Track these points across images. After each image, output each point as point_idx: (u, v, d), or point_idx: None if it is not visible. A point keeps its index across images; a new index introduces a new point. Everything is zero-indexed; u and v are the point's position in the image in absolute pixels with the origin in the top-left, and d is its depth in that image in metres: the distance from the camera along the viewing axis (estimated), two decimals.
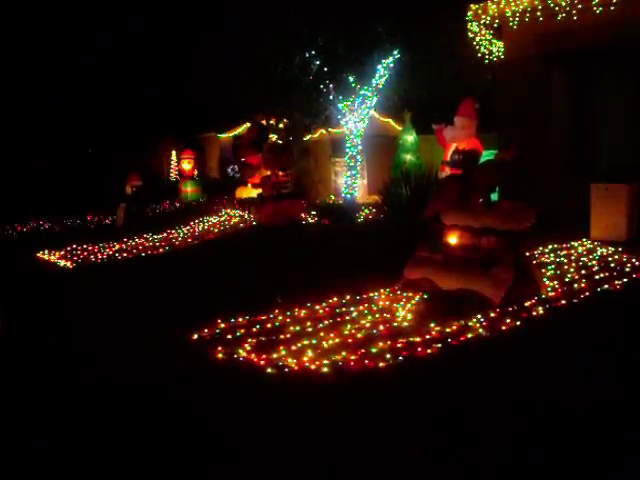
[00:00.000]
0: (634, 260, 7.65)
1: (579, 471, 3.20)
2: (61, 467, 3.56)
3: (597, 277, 6.98)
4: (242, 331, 5.70)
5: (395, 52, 13.27)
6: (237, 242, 11.41)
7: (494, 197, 8.02)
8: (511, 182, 8.30)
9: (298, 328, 5.71)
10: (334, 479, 3.29)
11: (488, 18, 11.15)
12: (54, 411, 4.32)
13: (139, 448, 3.70)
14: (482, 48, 12.00)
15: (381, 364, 4.73)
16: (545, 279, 6.86)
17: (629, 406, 3.87)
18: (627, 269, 7.27)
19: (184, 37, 18.40)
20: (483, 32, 11.69)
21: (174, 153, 23.24)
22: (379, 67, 13.38)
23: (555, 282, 6.84)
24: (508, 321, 5.61)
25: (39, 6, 19.83)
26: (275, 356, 5.00)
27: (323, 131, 16.77)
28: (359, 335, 5.43)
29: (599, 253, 8.24)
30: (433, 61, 13.28)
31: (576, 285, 6.70)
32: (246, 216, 13.59)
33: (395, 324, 5.69)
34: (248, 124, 16.67)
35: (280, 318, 6.05)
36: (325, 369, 4.68)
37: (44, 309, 7.19)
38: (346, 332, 5.53)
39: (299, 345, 5.22)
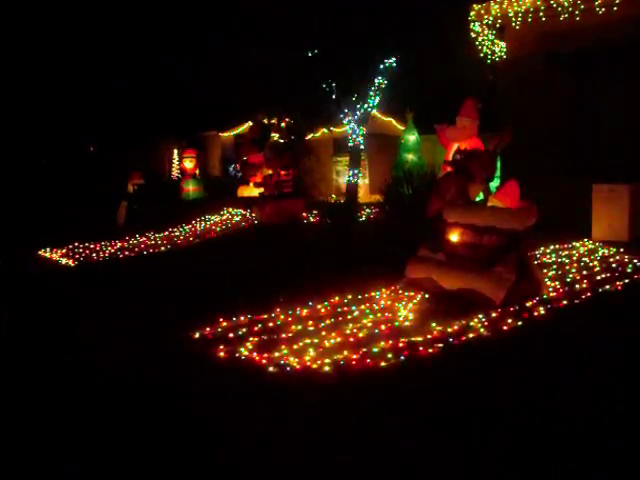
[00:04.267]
0: (635, 261, 7.65)
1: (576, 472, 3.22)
2: (63, 463, 3.59)
3: (598, 278, 6.98)
4: (244, 330, 5.71)
5: (396, 54, 13.22)
6: (238, 241, 11.41)
7: (496, 183, 7.98)
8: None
9: (300, 327, 5.72)
10: None
11: (491, 18, 11.15)
12: (57, 409, 4.34)
13: (140, 448, 3.71)
14: (484, 48, 11.99)
15: (382, 364, 4.74)
16: (546, 279, 6.86)
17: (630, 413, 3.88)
18: (629, 270, 7.27)
19: (187, 37, 18.41)
20: (485, 32, 11.69)
21: (176, 152, 23.25)
22: (381, 66, 13.34)
23: (556, 282, 6.85)
24: (509, 321, 5.62)
25: (42, 7, 19.86)
26: (277, 355, 5.01)
27: (325, 130, 16.75)
28: (360, 334, 5.44)
29: (600, 254, 8.24)
30: (435, 61, 13.24)
31: (577, 286, 6.69)
32: (247, 215, 13.61)
33: (397, 323, 5.70)
34: (250, 123, 16.66)
35: (282, 317, 6.06)
36: (327, 368, 4.69)
37: (46, 307, 7.22)
38: (347, 331, 5.53)
39: (300, 344, 5.22)
